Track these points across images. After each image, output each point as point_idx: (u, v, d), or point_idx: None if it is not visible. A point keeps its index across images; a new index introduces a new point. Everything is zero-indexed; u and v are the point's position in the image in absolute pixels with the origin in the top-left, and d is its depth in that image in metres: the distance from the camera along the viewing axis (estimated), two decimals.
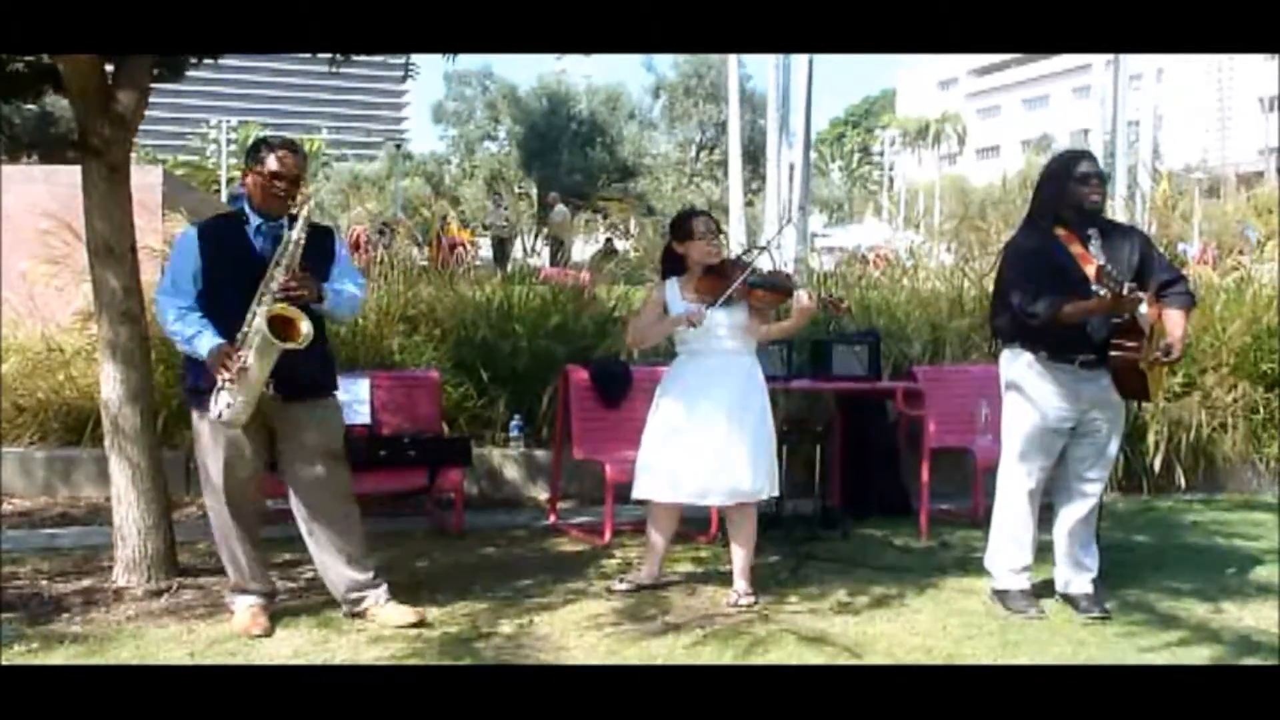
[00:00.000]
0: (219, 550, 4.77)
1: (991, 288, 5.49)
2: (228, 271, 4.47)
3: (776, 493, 5.31)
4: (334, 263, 4.67)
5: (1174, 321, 4.97)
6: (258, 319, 4.30)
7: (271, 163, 4.50)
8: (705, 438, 5.04)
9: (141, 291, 5.33)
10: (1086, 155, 5.16)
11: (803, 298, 5.13)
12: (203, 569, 5.41)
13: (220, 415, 4.38)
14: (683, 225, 5.26)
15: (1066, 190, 4.97)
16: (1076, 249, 4.91)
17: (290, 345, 4.30)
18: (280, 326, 4.30)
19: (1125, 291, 4.63)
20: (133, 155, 5.44)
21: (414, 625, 4.62)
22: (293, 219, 4.48)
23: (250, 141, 4.71)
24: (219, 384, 4.35)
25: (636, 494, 5.28)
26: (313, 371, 4.58)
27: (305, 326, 4.31)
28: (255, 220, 4.56)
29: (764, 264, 5.37)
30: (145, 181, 8.45)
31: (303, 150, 4.72)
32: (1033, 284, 4.89)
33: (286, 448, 4.67)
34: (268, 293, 4.33)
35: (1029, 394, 5.05)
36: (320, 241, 4.62)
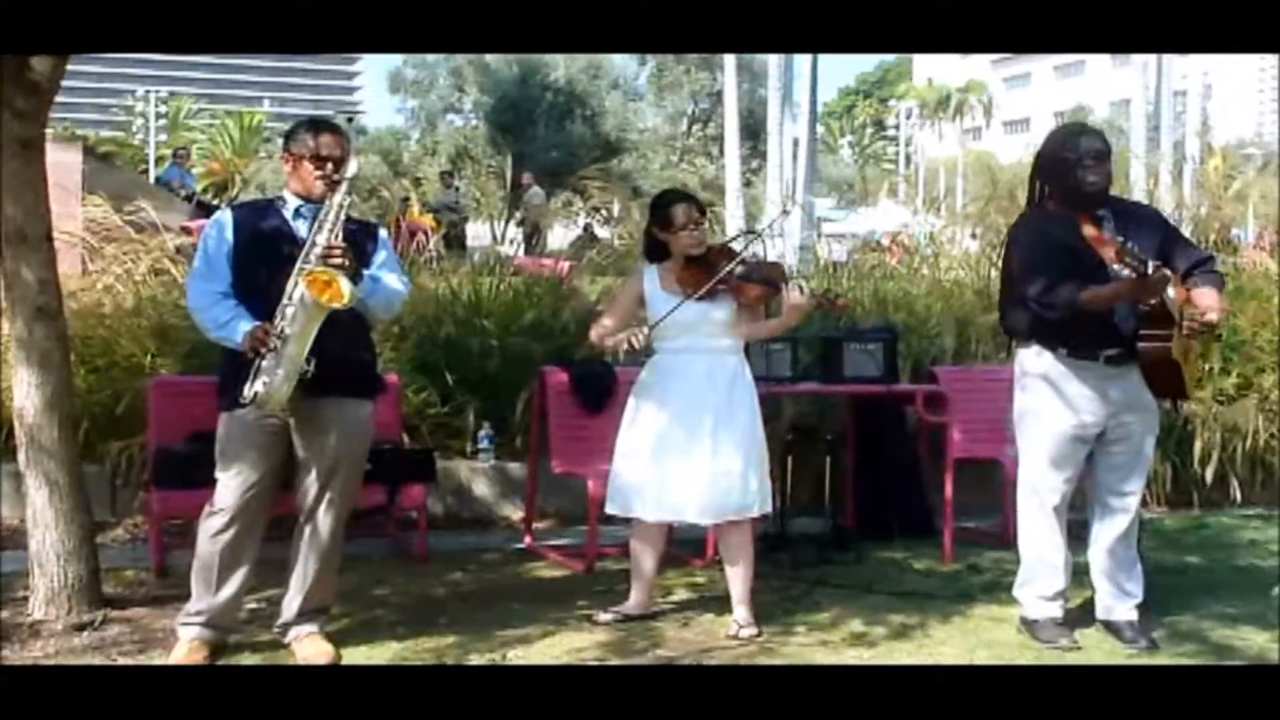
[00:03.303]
0: (194, 569, 4.75)
1: (998, 282, 5.48)
2: (266, 254, 4.62)
3: (769, 508, 5.31)
4: (374, 254, 4.82)
5: (1208, 295, 4.94)
6: (299, 287, 4.40)
7: (315, 144, 4.70)
8: (686, 447, 5.06)
9: (58, 284, 5.32)
10: (1085, 131, 5.17)
11: (794, 293, 5.14)
12: (131, 600, 5.41)
13: (255, 395, 4.42)
14: (660, 213, 5.26)
15: (1065, 171, 4.99)
16: (1090, 231, 4.93)
17: (334, 305, 4.38)
18: (319, 289, 4.37)
19: (1150, 271, 4.63)
20: (49, 130, 5.42)
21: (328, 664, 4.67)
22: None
23: (289, 127, 4.96)
24: (255, 366, 4.42)
25: (609, 509, 5.32)
26: (348, 366, 4.69)
27: (346, 285, 4.39)
28: (294, 202, 4.73)
29: (756, 252, 5.36)
30: (63, 160, 8.42)
31: (347, 131, 4.92)
32: (1046, 272, 4.90)
33: (304, 448, 4.70)
34: (309, 261, 4.45)
35: (1050, 398, 5.05)
36: (358, 239, 4.74)
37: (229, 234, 4.69)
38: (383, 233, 5.04)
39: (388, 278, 4.79)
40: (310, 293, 4.35)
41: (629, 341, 5.08)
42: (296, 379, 4.44)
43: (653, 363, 5.29)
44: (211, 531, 4.67)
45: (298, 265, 4.45)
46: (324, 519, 4.77)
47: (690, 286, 5.12)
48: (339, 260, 4.43)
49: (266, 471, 4.68)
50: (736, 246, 5.33)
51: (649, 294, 5.24)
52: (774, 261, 5.59)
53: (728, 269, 5.09)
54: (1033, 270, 4.97)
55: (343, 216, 4.55)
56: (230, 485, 4.64)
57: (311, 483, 4.74)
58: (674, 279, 5.18)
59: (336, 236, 4.50)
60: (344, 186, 4.58)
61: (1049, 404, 5.05)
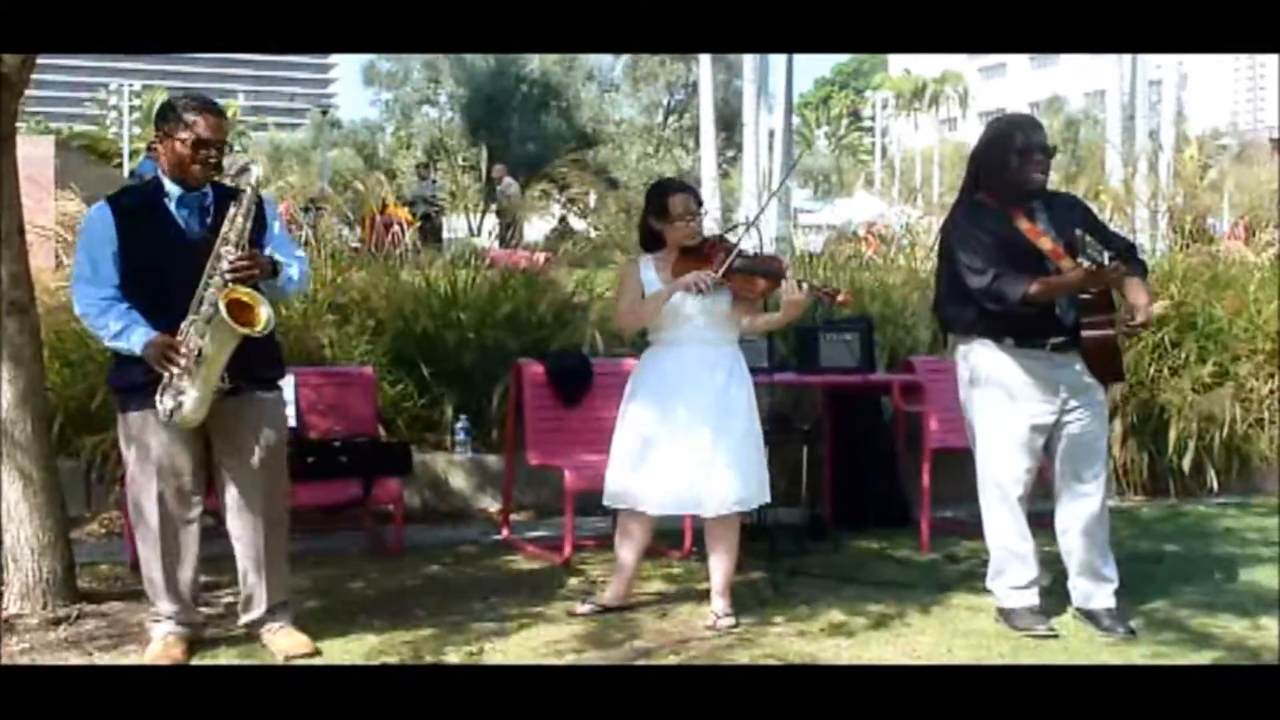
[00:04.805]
0: (144, 571, 4.72)
1: (935, 276, 5.50)
2: (151, 252, 4.44)
3: (768, 498, 5.30)
4: (266, 233, 4.60)
5: (1137, 288, 5.03)
6: (205, 304, 4.26)
7: (196, 128, 4.42)
8: (685, 440, 5.04)
9: (31, 280, 5.29)
10: (1028, 123, 5.19)
11: (792, 289, 5.11)
12: (107, 594, 5.40)
13: (170, 415, 4.33)
14: (657, 203, 5.23)
15: (1008, 165, 5.03)
16: (1024, 224, 4.99)
17: (250, 332, 4.26)
18: (236, 312, 4.24)
19: (1107, 262, 4.66)
20: (20, 124, 5.38)
21: (306, 655, 4.62)
22: (219, 187, 4.52)
23: (158, 105, 4.71)
24: (165, 380, 4.31)
25: (609, 502, 5.28)
26: (256, 360, 4.52)
27: (265, 311, 4.28)
28: (175, 191, 4.51)
29: (749, 244, 5.33)
30: (35, 154, 8.39)
31: (223, 109, 4.68)
32: (990, 265, 4.92)
33: (221, 446, 4.62)
34: (216, 273, 4.28)
35: (1001, 390, 5.08)
36: (257, 232, 4.57)
37: (111, 231, 4.45)
38: (269, 208, 4.70)
39: (290, 266, 4.57)
40: (228, 319, 4.20)
41: (696, 285, 4.99)
42: (211, 395, 4.34)
43: (647, 356, 5.27)
44: (145, 535, 4.61)
45: (207, 273, 4.27)
46: (258, 513, 4.65)
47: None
48: (252, 272, 4.29)
49: (185, 466, 4.56)
50: (732, 238, 5.28)
51: (645, 284, 5.20)
52: (773, 255, 5.57)
53: (728, 262, 5.06)
54: (976, 264, 4.98)
55: (249, 227, 4.35)
56: (153, 487, 4.54)
57: (238, 481, 4.63)
58: (669, 270, 5.16)
59: (243, 246, 4.32)
60: (249, 194, 4.37)
61: (1003, 396, 5.08)
